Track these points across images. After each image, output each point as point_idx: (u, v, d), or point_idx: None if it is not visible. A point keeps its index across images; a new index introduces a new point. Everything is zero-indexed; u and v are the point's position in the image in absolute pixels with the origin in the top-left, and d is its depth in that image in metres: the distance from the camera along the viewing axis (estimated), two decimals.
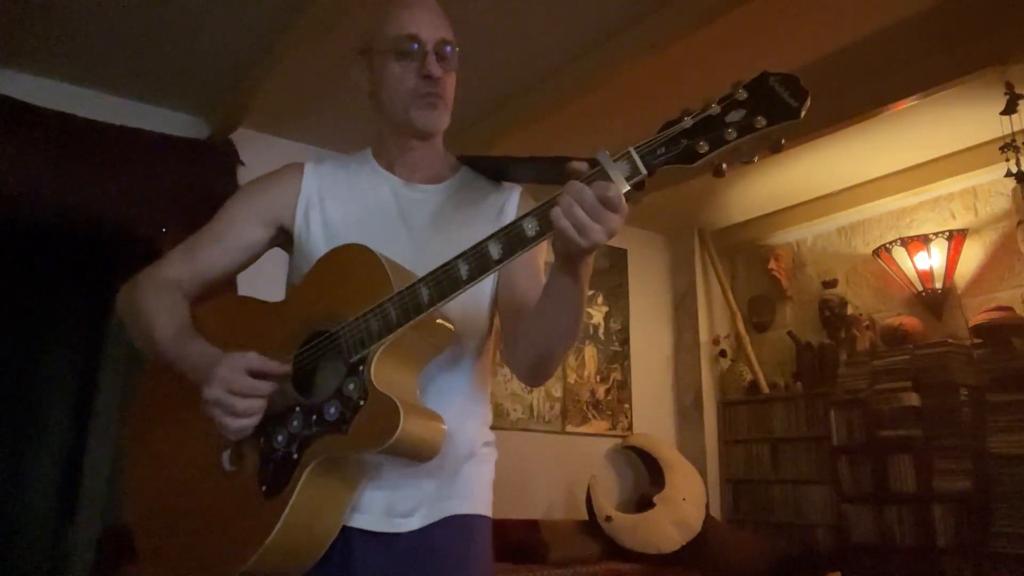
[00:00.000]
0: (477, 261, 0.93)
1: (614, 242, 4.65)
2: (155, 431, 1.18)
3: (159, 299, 1.15)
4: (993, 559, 3.10)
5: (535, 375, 1.11)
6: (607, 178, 0.86)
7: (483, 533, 1.13)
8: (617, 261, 4.72)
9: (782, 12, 2.63)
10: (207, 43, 2.85)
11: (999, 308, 3.46)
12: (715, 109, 0.83)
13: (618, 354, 4.57)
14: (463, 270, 0.93)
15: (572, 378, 4.34)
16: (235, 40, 2.82)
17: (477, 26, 2.68)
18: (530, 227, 0.91)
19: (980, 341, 3.44)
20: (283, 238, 1.23)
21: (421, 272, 0.97)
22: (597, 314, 4.54)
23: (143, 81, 3.14)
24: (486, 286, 1.16)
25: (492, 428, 1.21)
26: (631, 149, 0.86)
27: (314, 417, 0.99)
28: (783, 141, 0.83)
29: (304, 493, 0.96)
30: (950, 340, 3.50)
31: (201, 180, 3.20)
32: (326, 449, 0.97)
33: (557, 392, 4.26)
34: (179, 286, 1.18)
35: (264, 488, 0.99)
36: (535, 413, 4.14)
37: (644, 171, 0.86)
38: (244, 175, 3.32)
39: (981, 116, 3.31)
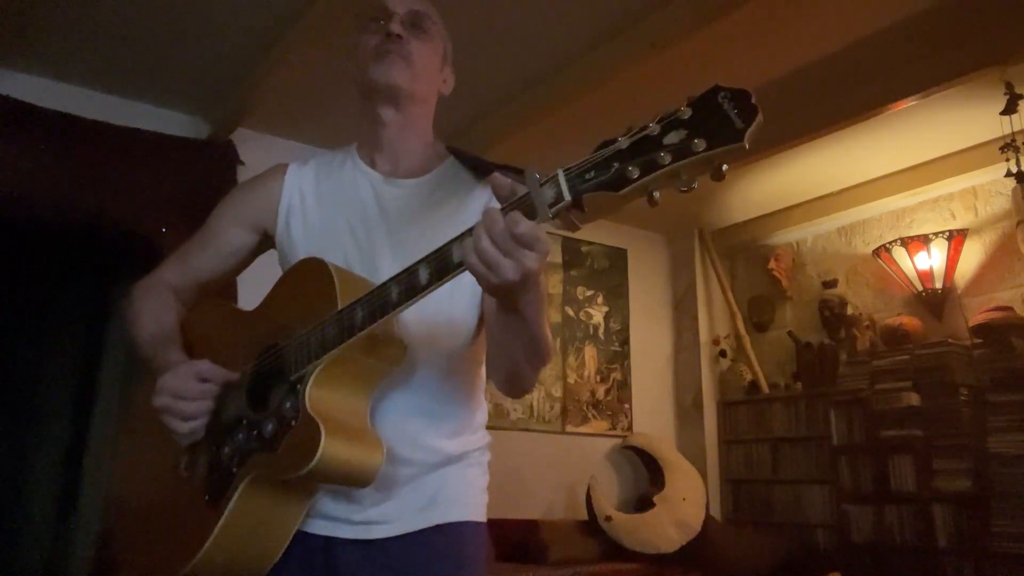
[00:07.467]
0: (407, 284, 0.87)
1: (614, 242, 4.70)
2: (144, 427, 1.21)
3: (146, 303, 1.17)
4: (993, 559, 3.10)
5: (511, 389, 1.10)
6: (530, 205, 0.77)
7: (474, 539, 1.11)
8: (617, 261, 4.72)
9: (782, 12, 2.63)
10: (207, 43, 2.85)
11: (999, 308, 3.46)
12: (654, 129, 0.72)
13: (618, 354, 4.56)
14: (394, 292, 0.88)
15: (572, 378, 4.34)
16: (235, 40, 2.82)
17: (477, 26, 2.68)
18: (456, 253, 0.82)
19: (980, 341, 3.44)
20: (271, 242, 1.22)
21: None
22: (597, 314, 4.54)
23: (143, 81, 3.14)
24: (464, 292, 1.10)
25: (492, 428, 1.20)
26: (560, 171, 0.75)
27: (255, 432, 0.98)
28: (724, 168, 0.71)
29: (239, 507, 0.96)
30: (950, 340, 3.49)
31: (201, 180, 3.20)
32: (257, 467, 0.96)
33: (557, 392, 4.26)
34: (174, 290, 1.20)
35: (207, 497, 1.00)
36: (535, 413, 4.14)
37: (568, 198, 0.74)
38: (244, 175, 3.31)
39: (981, 116, 3.31)
